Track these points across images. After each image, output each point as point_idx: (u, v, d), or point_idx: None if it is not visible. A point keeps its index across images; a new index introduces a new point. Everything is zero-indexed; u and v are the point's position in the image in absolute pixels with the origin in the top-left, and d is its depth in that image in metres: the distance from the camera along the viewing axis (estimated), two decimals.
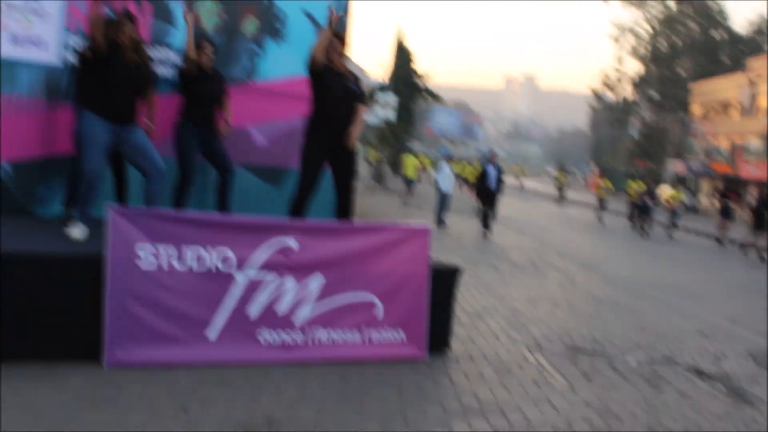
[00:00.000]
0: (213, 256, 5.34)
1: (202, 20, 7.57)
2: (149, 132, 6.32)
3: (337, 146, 6.56)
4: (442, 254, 12.49)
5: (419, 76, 55.23)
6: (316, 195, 6.80)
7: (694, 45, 60.02)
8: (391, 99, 37.70)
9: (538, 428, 4.85)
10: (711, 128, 50.57)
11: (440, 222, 18.50)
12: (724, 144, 48.12)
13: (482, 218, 17.54)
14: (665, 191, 31.60)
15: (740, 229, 24.95)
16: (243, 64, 7.86)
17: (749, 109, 45.49)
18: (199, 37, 7.10)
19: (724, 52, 59.73)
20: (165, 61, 7.38)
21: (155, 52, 7.21)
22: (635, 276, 13.43)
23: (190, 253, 5.26)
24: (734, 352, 7.81)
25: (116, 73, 5.87)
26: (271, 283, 5.53)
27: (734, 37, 60.25)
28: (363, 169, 38.60)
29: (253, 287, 5.47)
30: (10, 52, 6.80)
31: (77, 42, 6.96)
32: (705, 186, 50.09)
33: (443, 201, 18.81)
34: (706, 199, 47.39)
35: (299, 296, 5.63)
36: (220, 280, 5.36)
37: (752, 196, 35.02)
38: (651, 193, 25.96)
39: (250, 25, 7.87)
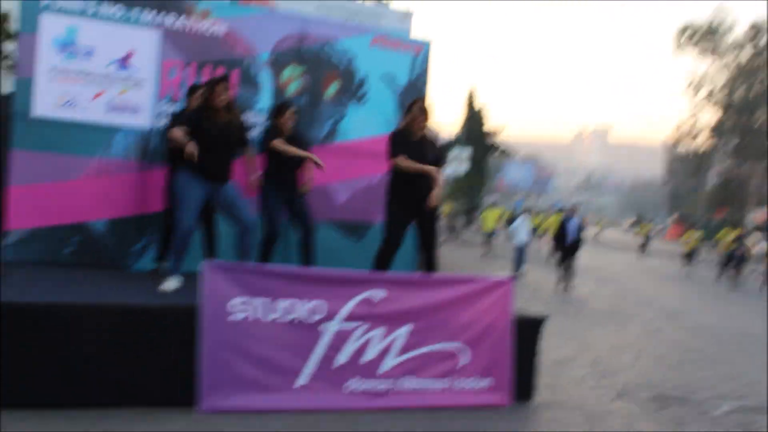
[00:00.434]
0: (303, 308, 5.55)
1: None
2: (252, 186, 6.52)
3: (419, 205, 6.73)
4: (522, 304, 12.51)
5: (491, 134, 55.67)
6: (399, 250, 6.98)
7: None
8: (462, 152, 37.97)
9: None
10: None
11: (517, 274, 18.48)
12: None
13: (562, 272, 16.91)
14: (753, 241, 30.58)
15: None
16: (325, 125, 8.18)
17: None
18: (282, 101, 7.43)
19: None
20: (251, 124, 7.74)
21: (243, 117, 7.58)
22: (721, 325, 13.15)
23: (282, 305, 5.49)
24: None
25: (210, 133, 6.13)
26: (359, 332, 5.71)
27: None
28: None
29: (341, 337, 5.65)
30: (107, 118, 7.25)
31: (169, 107, 7.38)
32: None
33: (520, 253, 18.83)
34: None
35: (386, 345, 5.79)
36: (310, 330, 5.56)
37: None
38: (742, 243, 25.10)
39: (331, 88, 8.20)
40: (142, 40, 7.37)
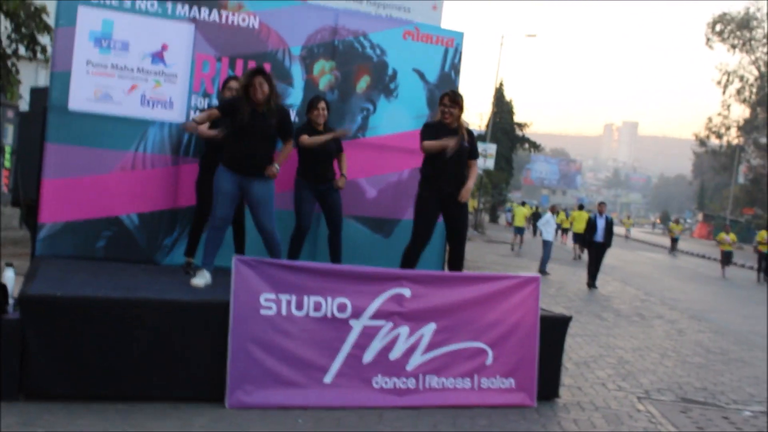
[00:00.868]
0: (331, 304, 5.62)
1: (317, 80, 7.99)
2: (273, 172, 6.34)
3: (449, 200, 6.78)
4: (546, 303, 12.51)
5: (519, 126, 55.43)
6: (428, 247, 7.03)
7: None
8: (489, 148, 37.93)
9: None
10: None
11: (543, 271, 18.49)
12: None
13: (588, 271, 16.70)
14: None
15: None
16: (355, 120, 8.22)
17: None
18: (313, 96, 7.50)
19: None
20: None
21: None
22: (748, 327, 13.07)
23: (310, 301, 5.56)
24: None
25: (243, 124, 6.11)
26: (385, 330, 5.77)
27: None
28: None
29: (368, 334, 5.72)
30: (141, 111, 7.35)
31: (201, 100, 7.47)
32: None
33: (546, 250, 18.79)
34: None
35: (412, 343, 5.85)
36: (337, 327, 5.64)
37: None
38: None
39: (362, 81, 8.24)
40: (176, 34, 7.45)
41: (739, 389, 7.75)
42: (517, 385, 6.15)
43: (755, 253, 26.90)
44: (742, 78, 62.69)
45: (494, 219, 54.47)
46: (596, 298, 14.78)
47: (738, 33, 60.68)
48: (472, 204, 43.81)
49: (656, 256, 36.22)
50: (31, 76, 16.33)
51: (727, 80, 63.34)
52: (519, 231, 28.37)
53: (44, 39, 11.23)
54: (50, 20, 9.87)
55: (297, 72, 7.96)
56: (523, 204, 36.60)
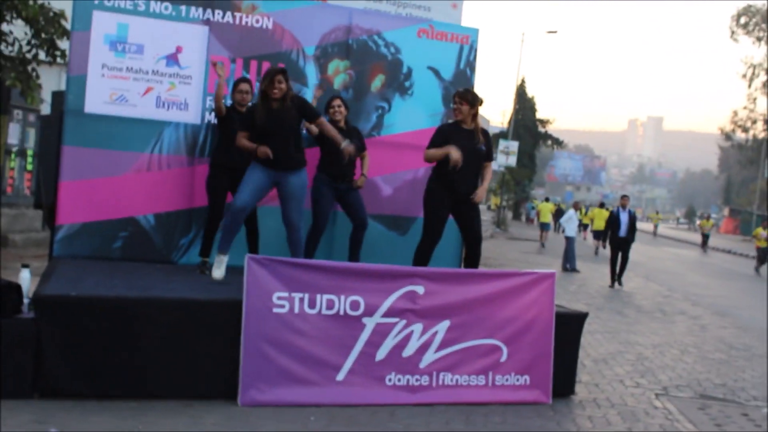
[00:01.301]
0: (344, 302, 5.63)
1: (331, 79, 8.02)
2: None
3: (461, 200, 6.78)
4: (566, 299, 12.46)
5: (542, 122, 55.21)
6: (440, 244, 7.03)
7: None
8: (511, 145, 37.81)
9: None
10: None
11: (568, 268, 18.43)
12: None
13: (612, 268, 16.00)
14: None
15: None
16: (371, 119, 8.23)
17: None
18: (331, 95, 7.52)
19: None
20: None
21: None
22: None
23: (322, 299, 5.58)
24: None
25: (262, 122, 6.21)
26: (398, 327, 5.77)
27: None
28: (485, 215, 38.69)
29: (381, 331, 5.72)
30: (156, 113, 7.42)
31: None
32: None
33: (569, 246, 18.71)
34: None
35: (425, 340, 5.84)
36: (350, 324, 5.65)
37: None
38: None
39: (377, 81, 8.25)
40: (190, 36, 7.50)
41: (760, 385, 7.67)
42: (532, 383, 6.13)
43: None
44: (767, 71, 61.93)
45: (517, 216, 54.28)
46: (618, 295, 14.69)
47: (763, 25, 59.97)
48: (495, 201, 43.75)
49: (682, 252, 35.91)
50: (54, 81, 16.49)
51: (753, 73, 62.62)
52: (545, 227, 28.97)
53: (63, 44, 11.32)
54: (68, 25, 9.97)
55: (311, 72, 7.99)
56: (547, 200, 36.91)
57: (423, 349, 5.83)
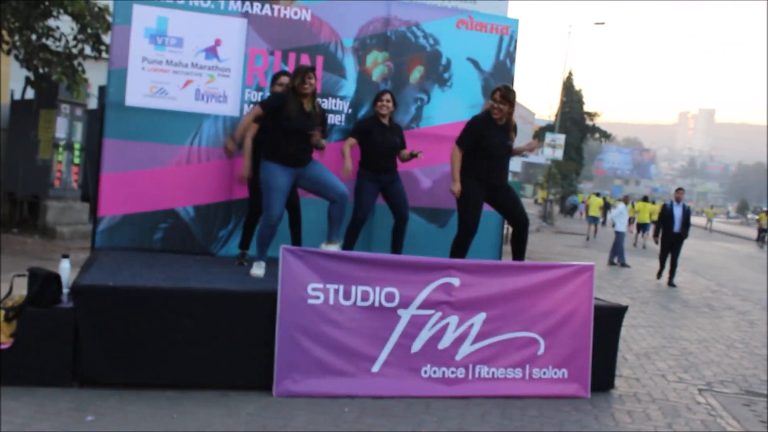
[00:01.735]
0: (379, 294, 5.61)
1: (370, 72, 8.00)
2: (318, 144, 6.35)
3: (495, 190, 6.74)
4: (611, 293, 12.30)
5: (589, 115, 54.62)
6: (480, 237, 6.98)
7: None
8: (558, 138, 37.44)
9: None
10: None
11: (615, 262, 18.23)
12: None
13: (661, 261, 15.30)
14: None
15: None
16: (409, 110, 8.19)
17: None
18: (382, 89, 7.56)
19: None
20: (336, 111, 7.85)
21: (327, 103, 7.74)
22: None
23: (357, 290, 5.57)
24: None
25: (293, 118, 6.22)
26: (434, 319, 5.74)
27: None
28: (531, 209, 38.41)
29: (416, 323, 5.69)
30: (196, 106, 7.48)
31: (255, 94, 7.56)
32: None
33: (619, 241, 18.46)
34: None
35: (461, 332, 5.80)
36: (386, 316, 5.63)
37: None
38: None
39: (416, 72, 8.20)
40: (229, 29, 7.54)
41: None
42: (570, 376, 6.05)
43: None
44: None
45: (564, 210, 53.75)
46: (664, 289, 14.44)
47: None
48: (541, 195, 43.39)
49: (734, 247, 35.20)
50: (101, 75, 16.80)
51: None
52: (593, 221, 29.20)
53: (109, 38, 11.53)
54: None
55: (350, 64, 7.97)
56: (597, 195, 36.83)
57: (459, 341, 5.79)
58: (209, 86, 7.51)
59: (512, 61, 8.52)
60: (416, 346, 5.69)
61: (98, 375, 5.09)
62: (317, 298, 5.47)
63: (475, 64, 8.38)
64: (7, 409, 4.54)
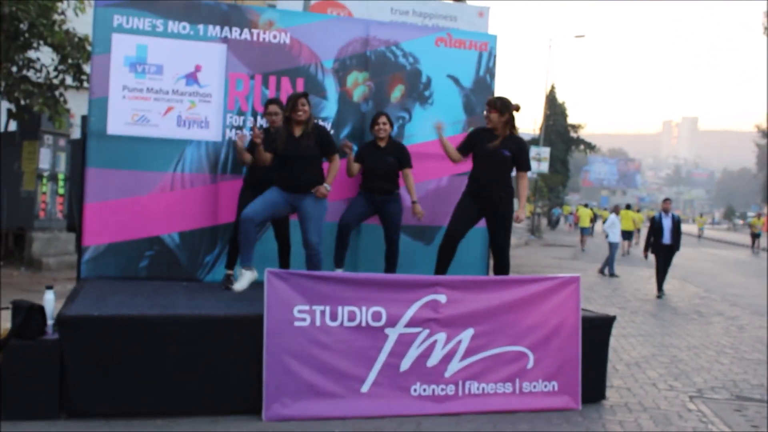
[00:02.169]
0: (365, 314, 5.61)
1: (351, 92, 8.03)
2: (323, 193, 6.48)
3: (490, 208, 6.75)
4: (600, 304, 12.33)
5: (573, 127, 54.93)
6: (466, 253, 7.01)
7: None
8: (543, 151, 37.64)
9: None
10: None
11: (607, 273, 18.27)
12: None
13: (658, 277, 14.79)
14: None
15: None
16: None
17: None
18: (377, 111, 7.64)
19: None
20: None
21: None
22: None
23: (344, 311, 5.57)
24: None
25: (286, 146, 6.33)
26: (421, 337, 5.74)
27: None
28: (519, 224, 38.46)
29: (404, 341, 5.69)
30: (178, 132, 7.48)
31: (236, 119, 7.58)
32: None
33: (612, 252, 18.49)
34: None
35: (450, 349, 5.80)
36: (373, 335, 5.62)
37: None
38: None
39: (396, 91, 8.24)
40: (209, 55, 7.56)
41: None
42: (560, 389, 6.05)
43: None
44: None
45: (551, 223, 53.88)
46: (653, 298, 14.45)
47: None
48: (529, 208, 43.50)
49: (722, 253, 35.34)
50: (83, 105, 16.80)
51: None
52: (584, 231, 29.69)
53: (89, 68, 11.56)
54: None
55: (330, 85, 8.00)
56: (586, 206, 37.24)
57: (448, 358, 5.79)
58: (191, 112, 7.52)
59: (492, 76, 8.57)
60: (405, 364, 5.68)
61: (86, 406, 5.06)
62: (304, 320, 5.46)
63: (456, 81, 8.42)
64: None
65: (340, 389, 5.49)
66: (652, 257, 15.13)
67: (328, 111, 7.96)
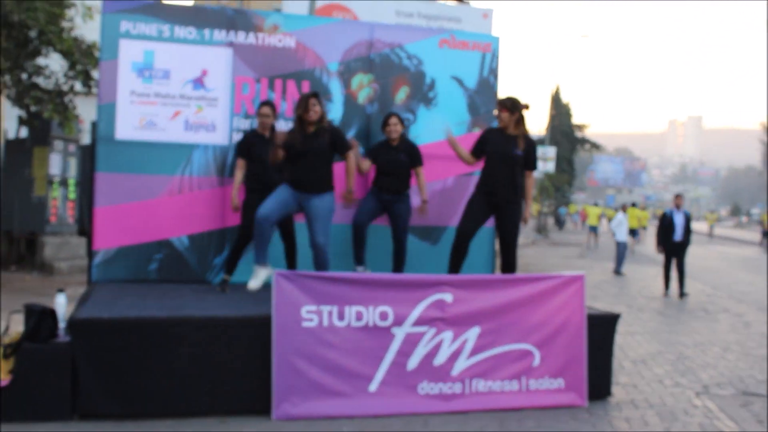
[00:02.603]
0: (372, 313, 5.69)
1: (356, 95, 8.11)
2: (348, 198, 6.66)
3: (499, 207, 6.79)
4: (607, 302, 12.36)
5: (578, 128, 54.92)
6: (473, 252, 7.05)
7: None
8: (549, 151, 37.66)
9: None
10: None
11: (618, 272, 18.27)
12: None
13: (665, 274, 14.60)
14: None
15: None
16: None
17: None
18: (388, 112, 7.71)
19: None
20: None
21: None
22: None
23: (351, 311, 5.64)
24: None
25: (296, 145, 6.39)
26: (428, 336, 5.80)
27: None
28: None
29: (411, 340, 5.76)
30: (185, 136, 7.57)
31: (243, 122, 7.66)
32: None
33: (621, 250, 18.50)
34: None
35: (456, 348, 5.87)
36: (380, 335, 5.70)
37: None
38: None
39: (401, 93, 8.30)
40: (215, 59, 7.65)
41: None
42: (566, 386, 6.11)
43: None
44: None
45: (558, 222, 53.85)
46: (659, 295, 14.46)
47: None
48: (535, 208, 43.50)
49: (730, 250, 35.26)
50: (93, 111, 16.96)
51: None
52: (593, 230, 29.75)
53: (97, 74, 11.66)
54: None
55: (336, 88, 8.07)
56: (596, 204, 37.50)
57: (454, 356, 5.85)
58: (198, 116, 7.60)
59: (495, 77, 8.63)
60: (412, 363, 5.75)
61: (97, 407, 5.15)
62: (311, 320, 5.54)
63: (460, 82, 8.48)
64: None
65: (348, 388, 5.56)
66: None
67: (333, 113, 8.02)
